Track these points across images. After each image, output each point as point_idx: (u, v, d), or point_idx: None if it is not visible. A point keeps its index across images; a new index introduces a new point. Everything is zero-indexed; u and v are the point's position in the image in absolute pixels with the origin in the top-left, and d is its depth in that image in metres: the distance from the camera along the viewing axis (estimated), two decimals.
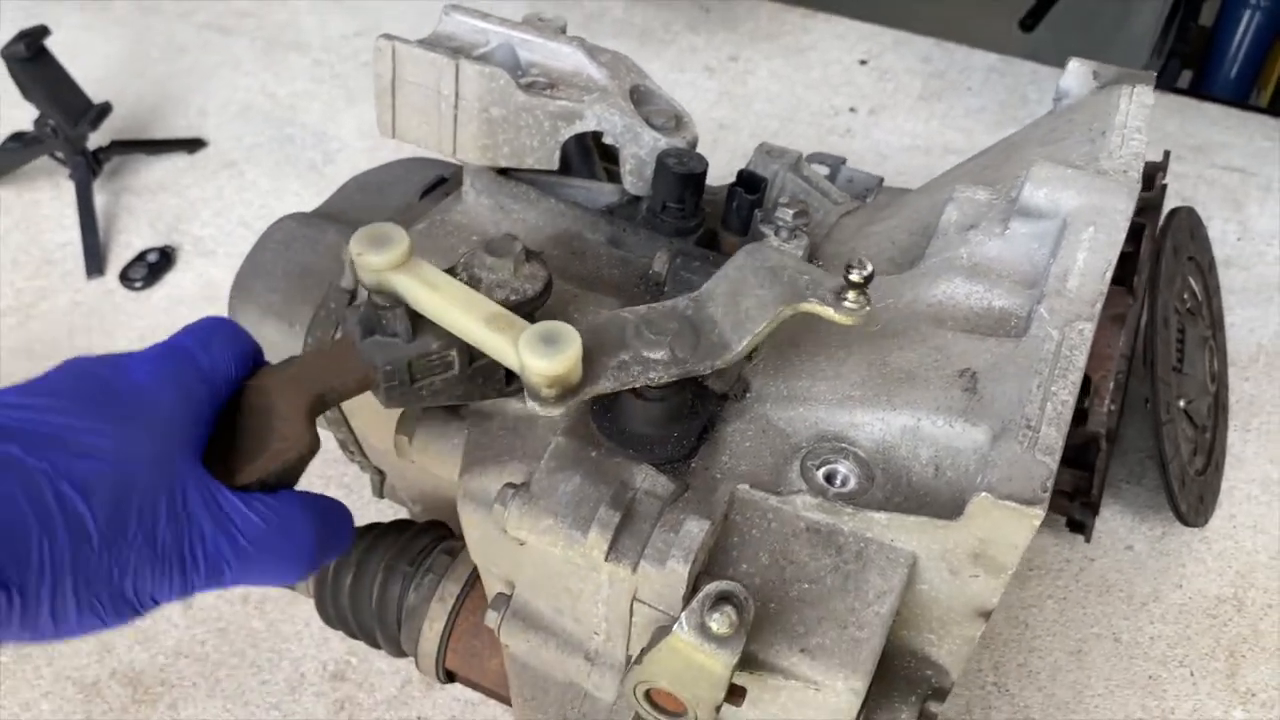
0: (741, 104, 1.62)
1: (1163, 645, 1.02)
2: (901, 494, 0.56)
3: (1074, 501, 0.96)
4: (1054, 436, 0.51)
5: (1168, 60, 1.95)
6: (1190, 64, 2.01)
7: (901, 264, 0.70)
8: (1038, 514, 0.49)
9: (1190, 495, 1.03)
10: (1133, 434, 1.17)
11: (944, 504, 0.55)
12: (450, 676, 0.79)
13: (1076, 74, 0.76)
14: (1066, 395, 0.53)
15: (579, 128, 0.72)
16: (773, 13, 1.84)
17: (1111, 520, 1.11)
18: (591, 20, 1.82)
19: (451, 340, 0.57)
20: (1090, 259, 0.58)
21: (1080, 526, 1.00)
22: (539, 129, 0.71)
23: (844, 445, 0.59)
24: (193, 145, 1.55)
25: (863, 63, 1.70)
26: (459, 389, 0.61)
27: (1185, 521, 1.04)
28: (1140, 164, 0.63)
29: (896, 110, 1.60)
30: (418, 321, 0.57)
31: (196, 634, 1.01)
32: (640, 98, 0.75)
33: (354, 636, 0.83)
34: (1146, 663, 1.01)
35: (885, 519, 0.54)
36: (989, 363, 0.57)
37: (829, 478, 0.58)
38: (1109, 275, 0.58)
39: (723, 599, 0.50)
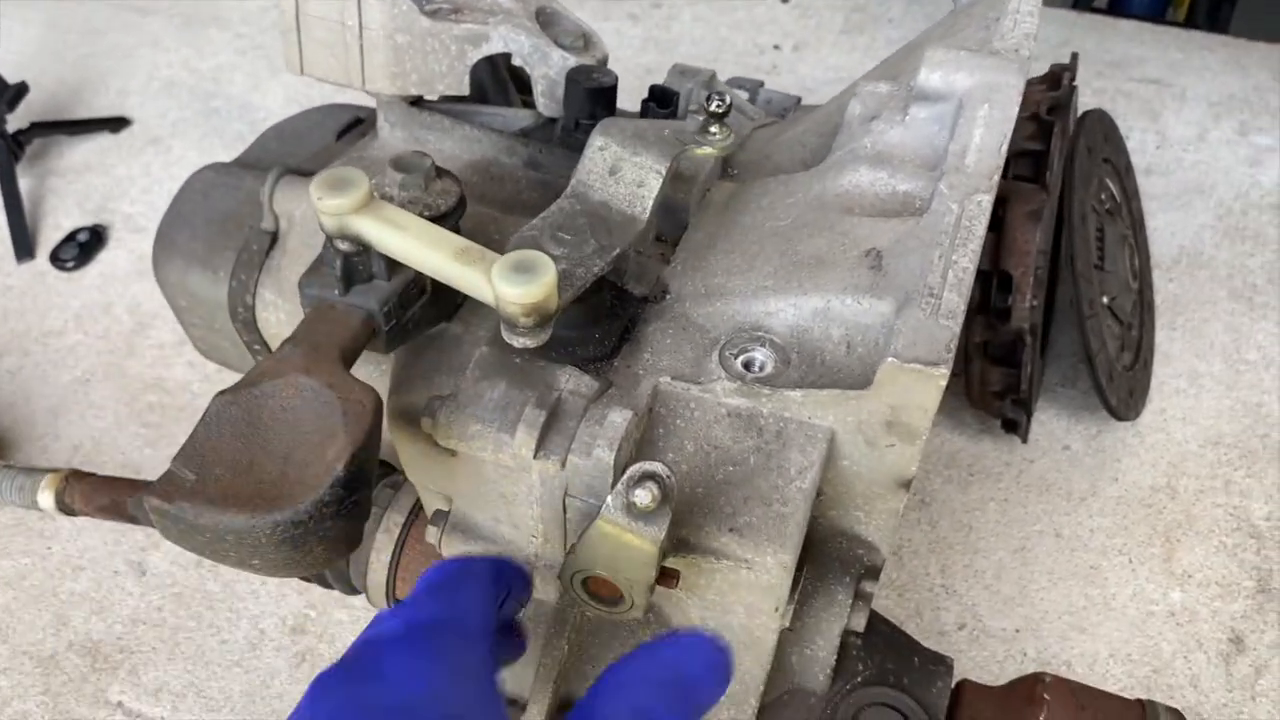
0: (667, 49, 1.62)
1: (1102, 536, 1.06)
2: (816, 373, 0.58)
3: (1005, 400, 0.98)
4: (955, 301, 0.53)
5: None
6: None
7: (812, 164, 0.72)
8: (943, 374, 0.51)
9: (1120, 389, 1.06)
10: (1065, 340, 1.20)
11: (856, 378, 0.57)
12: None
13: None
14: (967, 262, 0.55)
15: (486, 50, 0.72)
16: None
17: (1048, 423, 1.14)
18: None
19: None
20: (986, 135, 0.60)
21: (1014, 425, 1.02)
22: (446, 54, 0.72)
23: (760, 333, 0.60)
24: (116, 124, 1.53)
25: (785, 0, 1.71)
26: (431, 312, 0.62)
27: (1116, 414, 1.07)
28: (1031, 43, 0.65)
29: (820, 45, 1.61)
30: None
31: (152, 600, 1.01)
32: (547, 19, 0.76)
33: (306, 580, 0.84)
34: (1087, 554, 1.04)
35: (801, 396, 0.56)
36: (893, 240, 0.59)
37: (747, 365, 0.59)
38: (1004, 148, 0.59)
39: (646, 477, 0.52)
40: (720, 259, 0.64)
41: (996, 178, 0.58)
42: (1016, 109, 0.60)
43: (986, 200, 0.57)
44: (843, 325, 0.58)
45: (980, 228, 0.56)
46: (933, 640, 0.99)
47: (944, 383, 0.52)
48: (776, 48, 1.62)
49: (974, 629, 0.99)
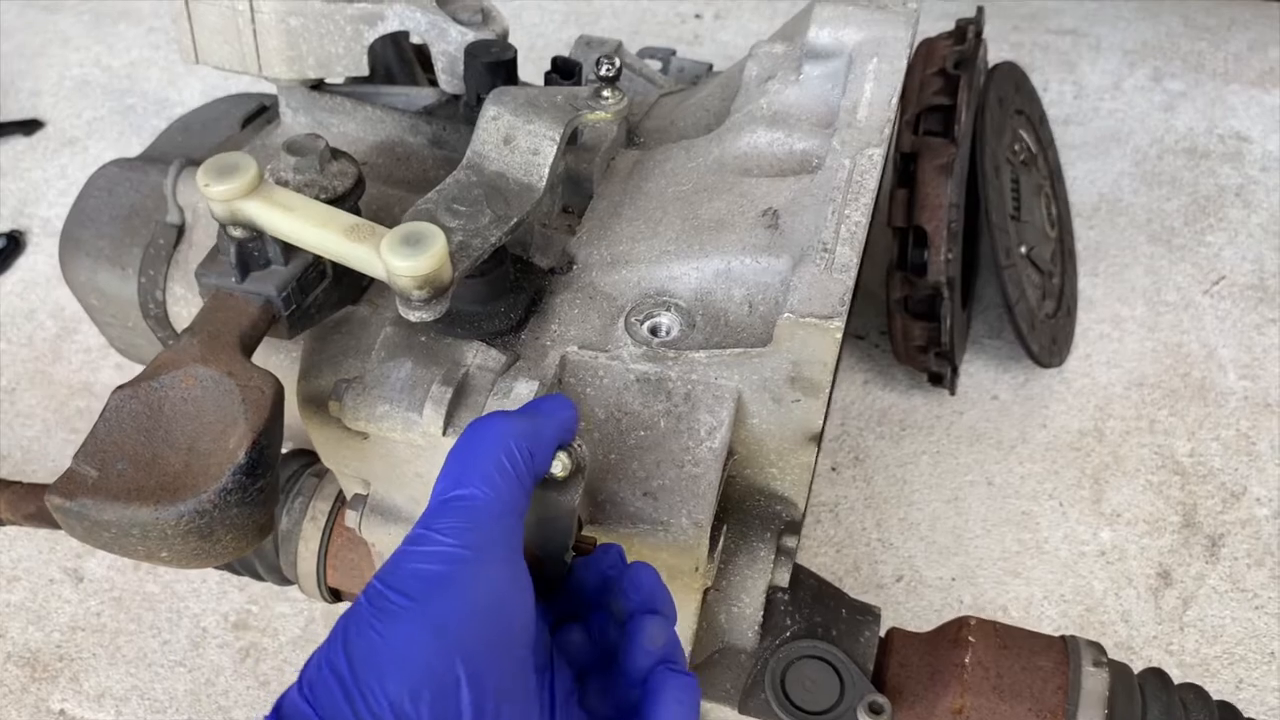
0: (589, 21, 1.62)
1: (1033, 482, 1.08)
2: (721, 334, 0.58)
3: (929, 353, 1.00)
4: (848, 255, 0.54)
5: None
6: None
7: (716, 127, 0.72)
8: (837, 326, 0.52)
9: (1042, 336, 1.08)
10: (990, 293, 1.22)
11: (759, 336, 0.57)
12: (336, 595, 0.80)
13: None
14: (859, 216, 0.55)
15: (382, 29, 0.71)
16: None
17: (976, 374, 1.16)
18: None
19: None
20: (876, 89, 0.60)
21: (940, 378, 1.04)
22: (341, 34, 0.71)
23: (665, 298, 0.60)
24: (29, 127, 1.49)
25: None
26: (335, 295, 0.61)
27: (1039, 362, 1.09)
28: None
29: (741, 11, 1.62)
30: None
31: (91, 606, 1.00)
32: None
33: (238, 574, 0.83)
34: (1019, 500, 1.07)
35: (705, 357, 0.56)
36: (789, 198, 0.59)
37: (653, 330, 0.60)
38: (895, 101, 0.60)
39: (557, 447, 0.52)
40: (625, 227, 0.65)
41: (888, 130, 0.59)
42: (905, 61, 0.61)
43: (878, 153, 0.58)
44: (744, 285, 0.59)
45: (872, 181, 0.57)
46: (871, 593, 1.00)
47: (839, 335, 0.52)
48: (698, 16, 1.62)
49: (911, 580, 1.01)
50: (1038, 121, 1.19)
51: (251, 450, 0.51)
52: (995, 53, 1.29)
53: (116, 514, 0.50)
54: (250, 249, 0.57)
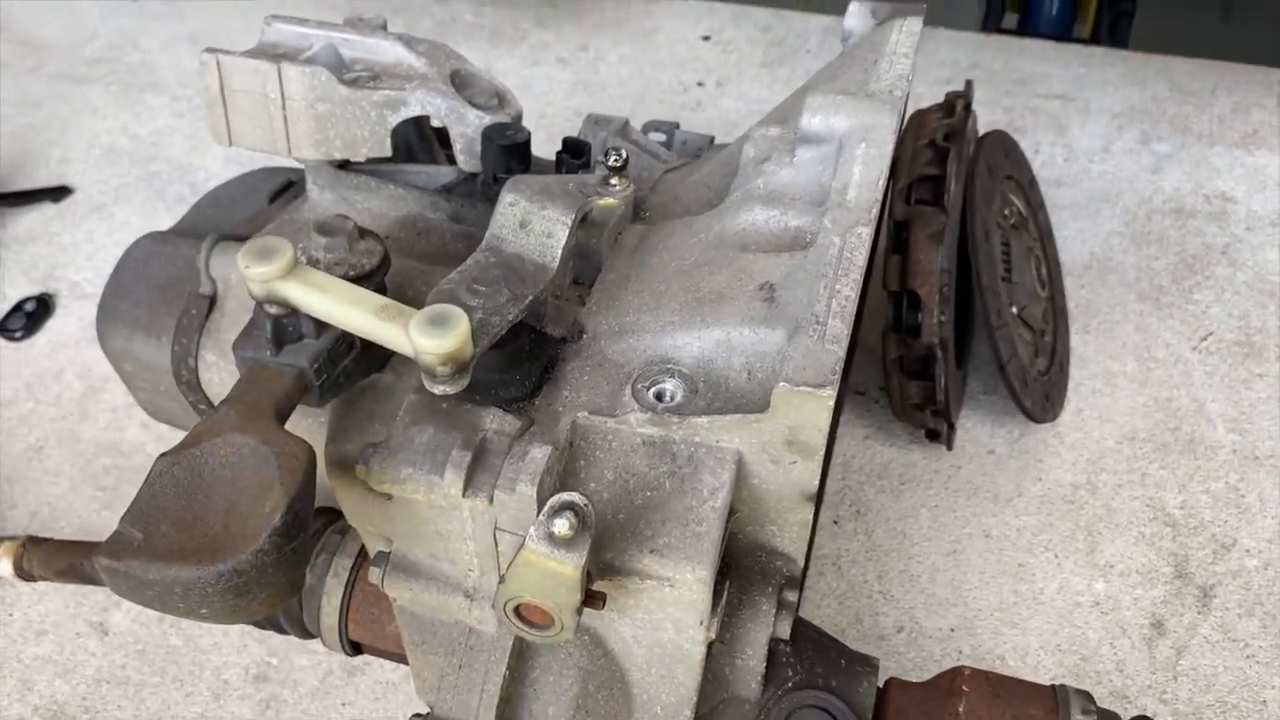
0: (596, 90, 1.68)
1: (1028, 535, 1.11)
2: (722, 400, 0.63)
3: (925, 411, 1.04)
4: (839, 327, 0.58)
5: (993, 4, 2.07)
6: (1015, 7, 2.14)
7: (717, 204, 0.77)
8: (829, 394, 0.56)
9: (1035, 393, 1.12)
10: (984, 350, 1.26)
11: (758, 402, 0.61)
12: (356, 648, 0.83)
13: (857, 14, 0.83)
14: (849, 291, 0.60)
15: (405, 114, 0.77)
16: (616, 1, 1.91)
17: (973, 429, 1.20)
18: (443, 26, 1.86)
19: None
20: (864, 172, 0.65)
21: (936, 435, 1.08)
22: (366, 119, 0.76)
23: (669, 366, 0.65)
24: (58, 193, 1.55)
25: (706, 39, 1.78)
26: (362, 365, 0.66)
27: (1032, 417, 1.12)
28: (905, 84, 0.70)
29: (741, 80, 1.68)
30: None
31: (115, 659, 1.03)
32: (462, 81, 0.80)
33: (262, 627, 0.87)
34: (1015, 552, 1.10)
35: (707, 422, 0.60)
36: (784, 274, 0.64)
37: (658, 396, 0.64)
38: (882, 183, 0.65)
39: (564, 507, 0.56)
40: (632, 298, 0.69)
41: (876, 210, 0.63)
42: (891, 146, 0.66)
43: (866, 232, 0.62)
44: (743, 354, 0.63)
45: (861, 258, 0.61)
46: (873, 645, 1.03)
47: (831, 402, 0.56)
48: (700, 84, 1.68)
49: (911, 631, 1.04)
50: (1027, 185, 1.24)
51: (286, 514, 0.55)
52: (988, 116, 1.35)
53: (160, 574, 0.54)
54: (285, 324, 0.61)
